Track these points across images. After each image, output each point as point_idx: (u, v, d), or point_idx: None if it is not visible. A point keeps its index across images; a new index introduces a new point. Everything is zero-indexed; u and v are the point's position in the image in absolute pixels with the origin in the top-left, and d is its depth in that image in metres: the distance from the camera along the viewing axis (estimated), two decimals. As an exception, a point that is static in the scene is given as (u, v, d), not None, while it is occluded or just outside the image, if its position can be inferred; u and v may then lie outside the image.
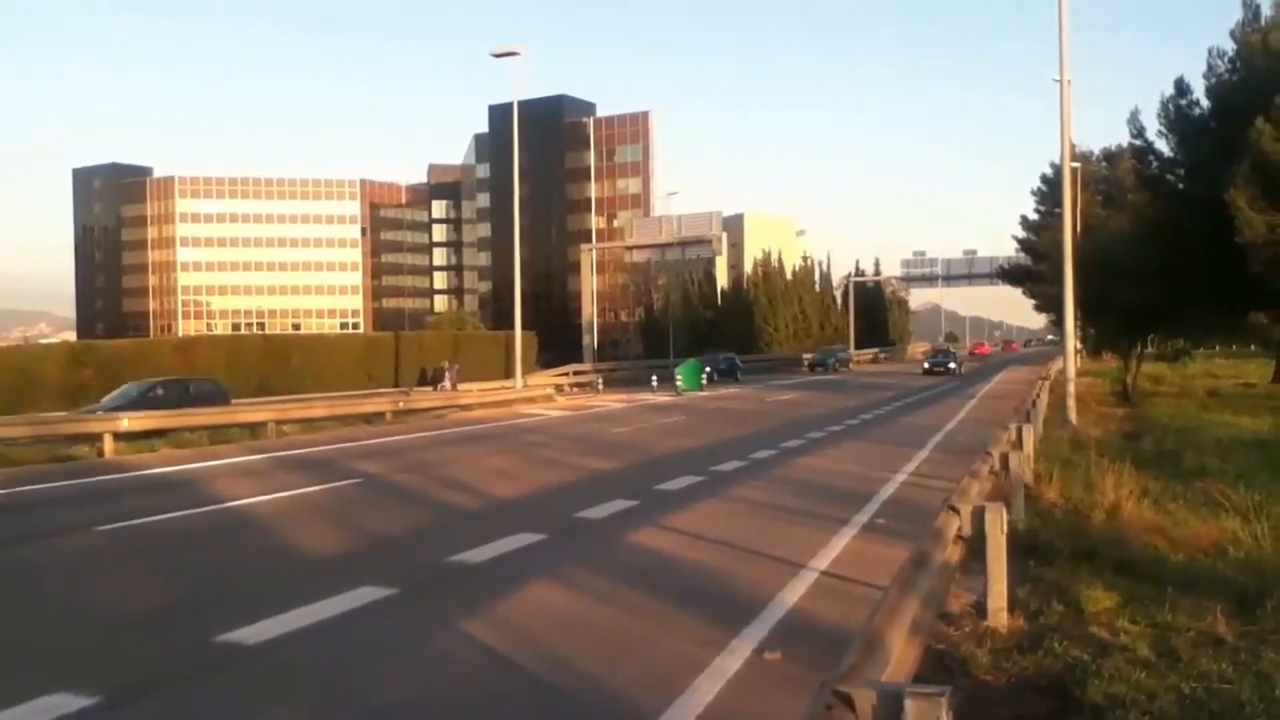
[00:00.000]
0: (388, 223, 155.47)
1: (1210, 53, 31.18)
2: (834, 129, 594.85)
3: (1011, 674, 5.84)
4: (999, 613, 6.83)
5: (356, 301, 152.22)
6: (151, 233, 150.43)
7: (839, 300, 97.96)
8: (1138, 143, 34.72)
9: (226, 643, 6.63)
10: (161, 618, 7.62)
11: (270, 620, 7.04)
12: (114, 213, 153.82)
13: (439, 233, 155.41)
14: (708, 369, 48.36)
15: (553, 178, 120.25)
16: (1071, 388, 24.55)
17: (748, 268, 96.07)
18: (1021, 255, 70.75)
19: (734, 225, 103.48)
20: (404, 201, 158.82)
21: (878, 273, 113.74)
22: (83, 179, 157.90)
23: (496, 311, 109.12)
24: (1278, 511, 8.92)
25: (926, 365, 59.00)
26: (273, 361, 41.95)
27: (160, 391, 25.29)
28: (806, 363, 66.21)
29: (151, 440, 20.99)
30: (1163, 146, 33.86)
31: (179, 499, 13.44)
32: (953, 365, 57.84)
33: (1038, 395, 21.57)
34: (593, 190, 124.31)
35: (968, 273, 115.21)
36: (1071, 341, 27.78)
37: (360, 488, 14.59)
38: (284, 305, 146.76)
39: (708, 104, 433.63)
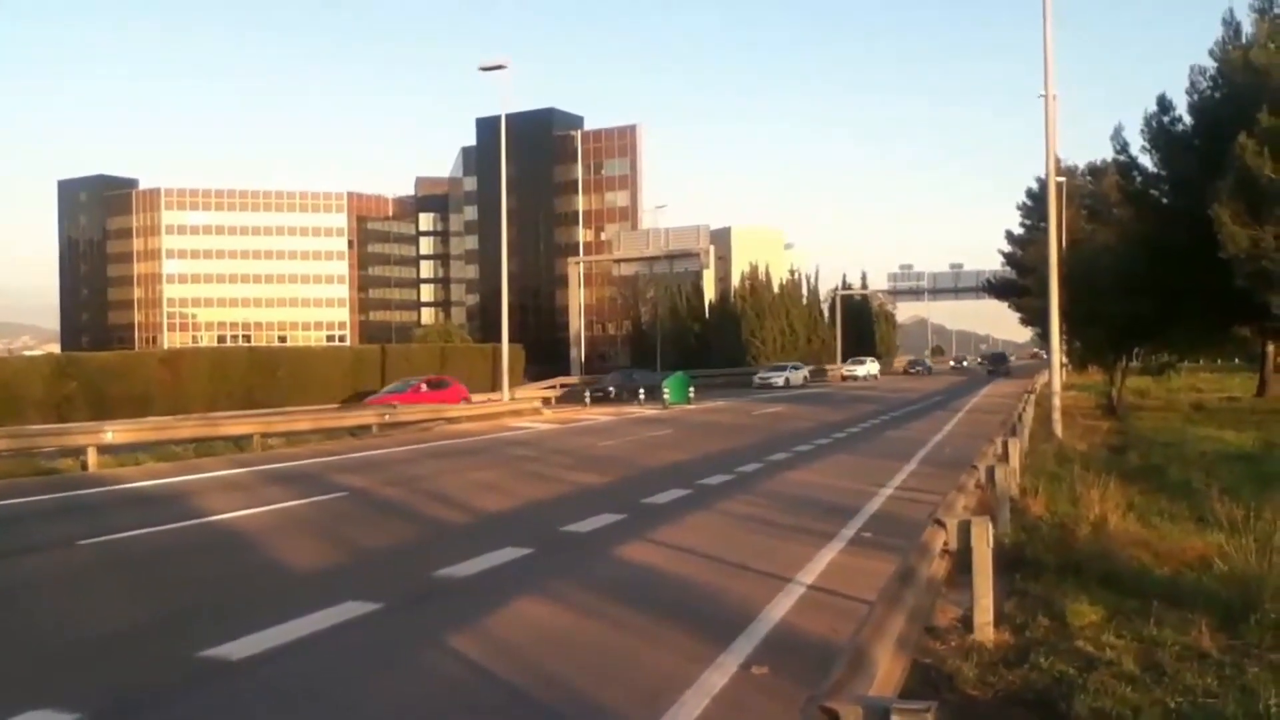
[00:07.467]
0: (375, 235, 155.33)
1: (1192, 70, 31.40)
2: (821, 143, 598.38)
3: (998, 688, 5.84)
4: (985, 627, 6.83)
5: (343, 314, 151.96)
6: (137, 245, 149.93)
7: (826, 313, 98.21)
8: (1122, 158, 34.97)
9: (211, 658, 6.59)
10: (145, 633, 7.57)
11: (255, 635, 7.00)
12: (99, 225, 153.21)
13: (426, 245, 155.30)
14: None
15: (540, 191, 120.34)
16: (1057, 401, 24.62)
17: (735, 281, 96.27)
18: (1008, 269, 71.18)
19: (721, 238, 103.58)
20: (391, 214, 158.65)
21: (865, 286, 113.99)
22: (68, 191, 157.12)
23: (484, 324, 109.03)
24: (1263, 525, 8.94)
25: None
26: (259, 374, 41.67)
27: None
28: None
29: (136, 453, 20.90)
30: (1147, 162, 34.10)
31: (163, 513, 13.35)
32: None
33: (1023, 409, 21.63)
34: (580, 203, 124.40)
35: (954, 286, 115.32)
36: (1057, 355, 27.86)
37: (346, 501, 14.53)
38: (270, 318, 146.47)
39: (696, 118, 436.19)
